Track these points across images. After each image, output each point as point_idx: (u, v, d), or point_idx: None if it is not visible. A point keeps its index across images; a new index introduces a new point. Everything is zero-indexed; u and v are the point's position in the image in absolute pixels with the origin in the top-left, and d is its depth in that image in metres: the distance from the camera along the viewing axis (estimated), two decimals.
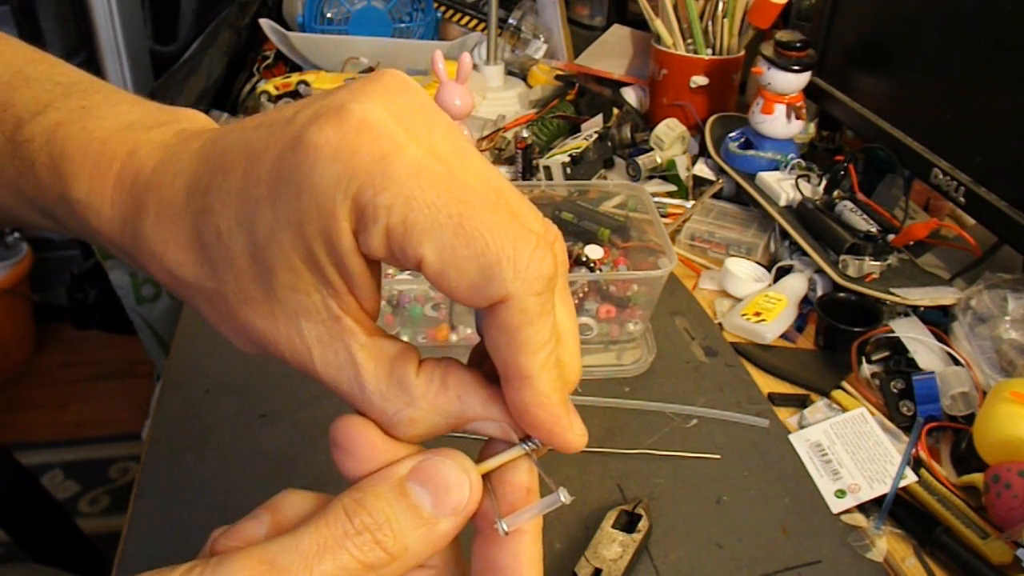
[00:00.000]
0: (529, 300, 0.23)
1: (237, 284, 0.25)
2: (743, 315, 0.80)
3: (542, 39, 1.34)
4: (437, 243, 0.23)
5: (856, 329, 0.75)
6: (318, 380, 0.26)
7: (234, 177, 0.24)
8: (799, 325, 0.81)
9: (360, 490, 0.24)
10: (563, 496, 0.26)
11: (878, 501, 0.60)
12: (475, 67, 1.24)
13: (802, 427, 0.68)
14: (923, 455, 0.64)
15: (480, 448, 0.28)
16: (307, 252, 0.24)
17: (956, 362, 0.72)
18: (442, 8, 1.44)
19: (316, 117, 0.23)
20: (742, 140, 0.98)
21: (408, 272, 0.76)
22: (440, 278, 0.23)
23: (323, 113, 0.23)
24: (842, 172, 0.90)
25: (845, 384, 0.72)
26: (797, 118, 0.95)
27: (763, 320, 0.79)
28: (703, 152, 1.04)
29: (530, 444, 0.27)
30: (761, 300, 0.81)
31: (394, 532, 0.23)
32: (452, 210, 0.23)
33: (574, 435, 0.26)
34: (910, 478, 0.61)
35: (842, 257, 0.80)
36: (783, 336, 0.80)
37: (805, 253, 0.84)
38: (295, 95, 1.22)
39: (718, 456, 0.65)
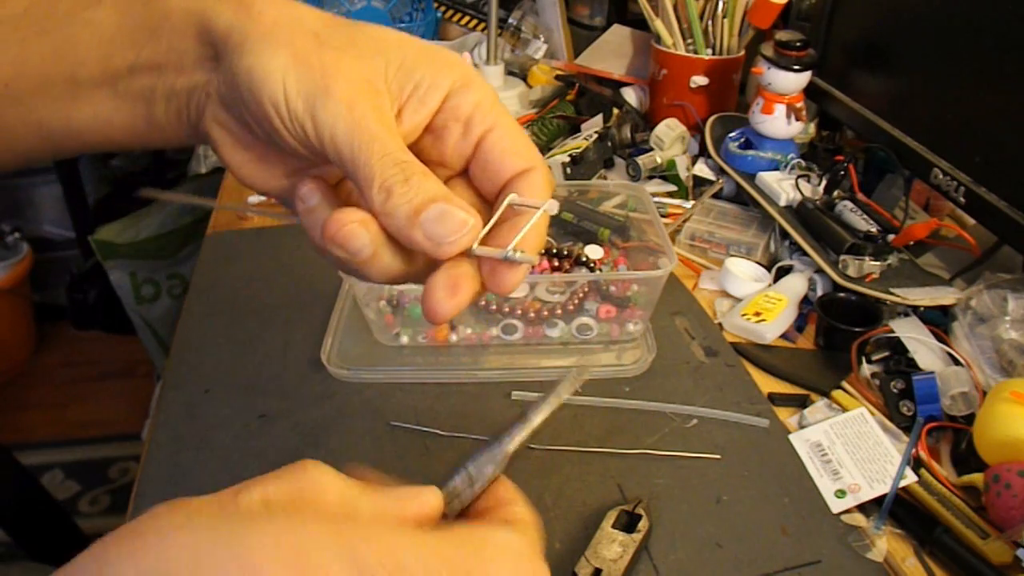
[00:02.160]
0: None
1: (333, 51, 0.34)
2: (743, 315, 0.80)
3: (542, 39, 1.34)
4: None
5: (856, 329, 0.75)
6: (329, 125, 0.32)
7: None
8: (799, 325, 0.81)
9: None
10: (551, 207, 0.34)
11: (878, 501, 0.60)
12: (475, 67, 1.24)
13: (802, 427, 0.68)
14: (923, 455, 0.64)
15: None
16: (398, 76, 0.35)
17: (956, 362, 0.72)
18: (442, 8, 1.44)
19: None
20: (742, 140, 0.98)
21: None
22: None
23: None
24: (842, 172, 0.90)
25: (845, 384, 0.72)
26: (797, 119, 0.95)
27: (763, 320, 0.79)
28: (703, 152, 1.04)
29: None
30: (761, 300, 0.81)
31: None
32: None
33: None
34: (910, 478, 0.61)
35: (842, 257, 0.80)
36: (783, 336, 0.80)
37: (805, 253, 0.84)
38: None
39: (718, 456, 0.65)
